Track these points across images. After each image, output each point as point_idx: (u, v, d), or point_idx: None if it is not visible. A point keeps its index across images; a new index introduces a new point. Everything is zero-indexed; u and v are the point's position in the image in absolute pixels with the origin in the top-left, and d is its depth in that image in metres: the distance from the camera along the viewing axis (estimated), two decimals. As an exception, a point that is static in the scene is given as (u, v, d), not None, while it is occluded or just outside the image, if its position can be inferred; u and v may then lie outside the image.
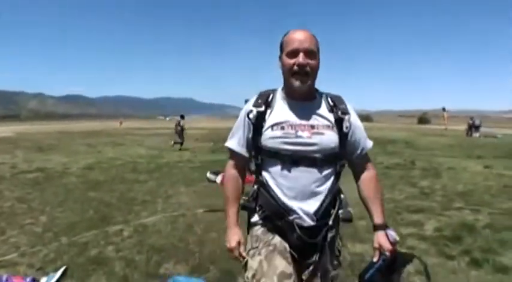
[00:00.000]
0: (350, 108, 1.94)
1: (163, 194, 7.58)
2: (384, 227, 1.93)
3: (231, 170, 2.06)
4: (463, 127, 37.54)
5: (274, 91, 1.97)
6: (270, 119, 1.87)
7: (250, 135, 1.93)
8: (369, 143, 2.02)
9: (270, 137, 1.84)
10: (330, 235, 1.89)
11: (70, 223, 5.52)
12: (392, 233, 1.85)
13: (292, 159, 1.81)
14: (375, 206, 1.96)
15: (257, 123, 1.88)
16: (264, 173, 1.91)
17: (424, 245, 4.62)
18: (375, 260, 1.89)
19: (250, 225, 1.99)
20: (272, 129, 1.84)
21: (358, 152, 1.97)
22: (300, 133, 1.80)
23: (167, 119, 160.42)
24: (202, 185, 8.51)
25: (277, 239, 1.86)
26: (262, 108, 1.88)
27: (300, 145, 1.80)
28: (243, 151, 1.99)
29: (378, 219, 1.94)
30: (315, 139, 1.80)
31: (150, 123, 79.52)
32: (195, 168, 10.99)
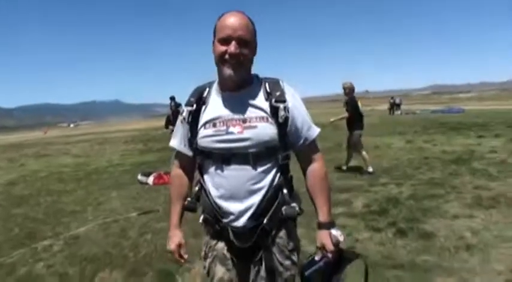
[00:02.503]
0: (289, 94, 1.74)
1: (93, 201, 7.30)
2: (327, 225, 1.75)
3: (175, 170, 1.97)
4: (386, 107, 39.53)
5: (210, 84, 1.83)
6: (203, 117, 1.75)
7: (188, 135, 1.82)
8: (314, 132, 1.81)
9: (202, 136, 1.73)
10: (273, 234, 1.75)
11: (-7, 243, 5.18)
12: (336, 233, 1.71)
13: (223, 158, 1.69)
14: (319, 202, 1.79)
15: (191, 123, 1.77)
16: (203, 174, 1.80)
17: (354, 222, 4.84)
18: (316, 258, 1.77)
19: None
20: (205, 127, 1.73)
21: (301, 142, 1.78)
22: (231, 129, 1.67)
23: (71, 125, 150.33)
24: (134, 188, 8.29)
25: (219, 245, 1.81)
26: (194, 107, 1.76)
27: (232, 142, 1.66)
28: (185, 150, 1.88)
29: (322, 217, 1.77)
30: (247, 134, 1.65)
31: (76, 130, 76.26)
32: (125, 172, 10.68)
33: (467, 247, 3.88)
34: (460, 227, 4.44)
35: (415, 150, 10.79)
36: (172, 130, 10.16)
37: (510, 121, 17.76)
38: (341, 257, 1.77)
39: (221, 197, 1.71)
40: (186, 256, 1.84)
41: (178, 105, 10.41)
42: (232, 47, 1.60)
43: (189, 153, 1.86)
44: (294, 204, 1.72)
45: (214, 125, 1.70)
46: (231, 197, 1.69)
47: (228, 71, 1.64)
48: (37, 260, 4.48)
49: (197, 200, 1.84)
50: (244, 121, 1.67)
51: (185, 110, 1.78)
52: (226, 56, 1.62)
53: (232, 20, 1.63)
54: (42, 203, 7.59)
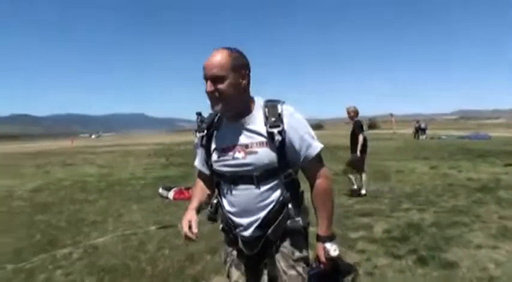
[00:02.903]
0: (287, 115, 1.86)
1: (114, 213, 7.39)
2: (323, 239, 1.94)
3: (197, 182, 2.21)
4: (411, 130, 39.04)
5: None
6: (214, 142, 1.98)
7: (204, 157, 2.05)
8: (314, 150, 1.91)
9: (214, 161, 1.97)
10: (278, 244, 1.95)
11: (16, 249, 5.27)
12: (329, 248, 1.87)
13: (231, 179, 1.92)
14: (320, 217, 1.96)
15: (205, 147, 2.01)
16: (219, 190, 2.04)
17: (374, 247, 4.76)
18: (314, 265, 1.99)
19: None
20: (215, 152, 1.96)
21: (301, 161, 1.91)
22: (236, 154, 1.87)
23: (93, 136, 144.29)
24: (154, 201, 8.37)
25: (234, 252, 2.06)
26: (205, 132, 2.00)
27: (237, 166, 1.88)
28: (203, 169, 2.13)
29: (320, 230, 1.95)
30: (249, 159, 1.84)
31: (100, 141, 77.47)
32: (147, 185, 10.80)
33: (490, 279, 3.76)
34: (483, 257, 4.32)
35: (440, 176, 10.59)
36: None
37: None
38: (337, 270, 1.98)
39: (233, 212, 1.95)
40: (196, 230, 1.89)
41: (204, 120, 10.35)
42: (207, 87, 1.79)
43: (207, 172, 2.10)
44: (298, 219, 1.92)
45: (223, 151, 1.92)
46: (241, 212, 1.92)
47: (212, 107, 1.86)
48: (56, 267, 4.54)
49: (215, 211, 2.05)
50: (247, 147, 1.86)
51: (198, 136, 2.03)
52: (208, 95, 1.83)
53: (207, 61, 1.80)
54: (65, 211, 7.72)
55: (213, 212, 2.05)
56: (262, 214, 1.89)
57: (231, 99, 1.81)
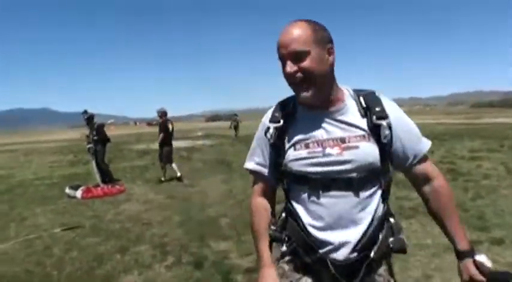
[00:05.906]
0: (390, 107, 1.52)
1: (16, 217, 6.89)
2: (471, 253, 1.49)
3: (255, 199, 1.70)
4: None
5: (294, 99, 1.57)
6: (291, 136, 1.52)
7: (273, 156, 1.59)
8: (425, 146, 1.57)
9: (293, 159, 1.50)
10: (375, 270, 1.51)
11: None
12: (483, 260, 1.46)
13: (321, 183, 1.46)
14: (452, 225, 1.54)
15: (277, 142, 1.54)
16: (292, 200, 1.56)
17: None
18: None
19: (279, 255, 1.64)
20: (295, 148, 1.50)
21: (410, 161, 1.54)
22: (328, 150, 1.45)
23: None
24: (61, 202, 7.96)
25: (306, 281, 1.54)
26: (281, 123, 1.54)
27: (330, 165, 1.45)
28: (267, 173, 1.64)
29: (462, 244, 1.51)
30: (347, 155, 1.44)
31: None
32: (53, 185, 10.20)
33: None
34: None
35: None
36: (89, 143, 9.40)
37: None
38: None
39: (317, 226, 1.48)
40: None
41: (91, 116, 9.76)
42: (287, 68, 1.41)
43: (272, 176, 1.64)
44: (401, 236, 1.51)
45: (307, 146, 1.48)
46: (330, 227, 1.46)
47: (297, 95, 1.47)
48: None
49: (283, 229, 1.59)
50: (343, 141, 1.46)
51: (271, 127, 1.55)
52: (288, 79, 1.45)
53: (283, 37, 1.43)
54: (-41, 219, 7.04)
55: (279, 230, 1.58)
56: (361, 230, 1.45)
57: (320, 80, 1.43)
